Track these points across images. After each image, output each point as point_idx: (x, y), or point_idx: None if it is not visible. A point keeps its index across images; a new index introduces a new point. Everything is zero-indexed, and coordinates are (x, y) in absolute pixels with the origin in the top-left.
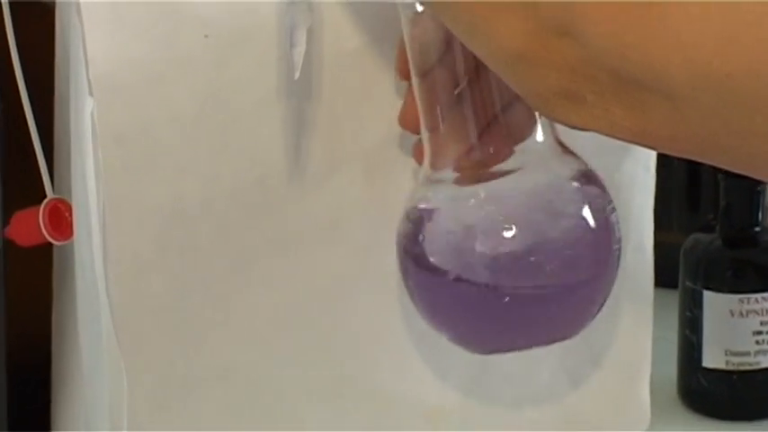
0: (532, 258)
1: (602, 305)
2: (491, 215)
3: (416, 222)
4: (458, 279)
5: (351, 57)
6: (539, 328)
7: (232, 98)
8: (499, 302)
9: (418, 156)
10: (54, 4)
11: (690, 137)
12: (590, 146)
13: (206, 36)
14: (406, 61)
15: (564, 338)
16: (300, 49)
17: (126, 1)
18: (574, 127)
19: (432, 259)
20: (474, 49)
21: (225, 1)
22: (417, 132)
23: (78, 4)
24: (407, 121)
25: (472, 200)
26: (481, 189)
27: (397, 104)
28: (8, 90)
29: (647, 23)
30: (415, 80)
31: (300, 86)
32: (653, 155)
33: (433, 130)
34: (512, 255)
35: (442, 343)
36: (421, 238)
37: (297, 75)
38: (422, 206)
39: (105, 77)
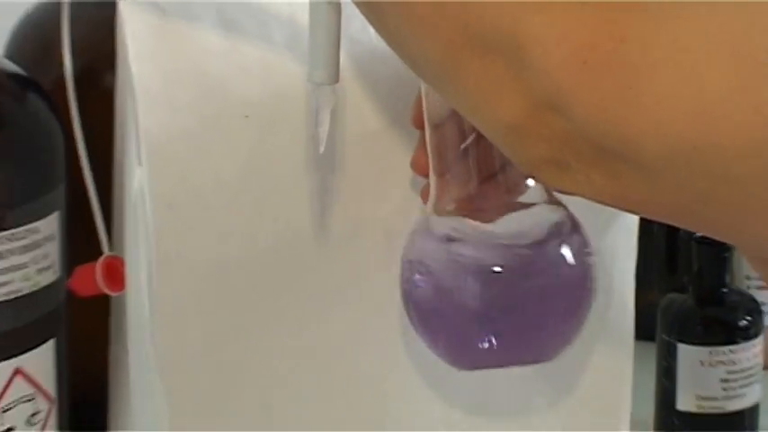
0: (518, 287)
1: (577, 332)
2: (483, 250)
3: (418, 250)
4: (453, 304)
5: (371, 135)
6: (522, 350)
7: (268, 170)
8: (489, 326)
9: (425, 196)
10: (113, 85)
11: (662, 203)
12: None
13: (246, 116)
14: (421, 112)
15: (544, 360)
16: (325, 128)
17: (177, 83)
18: (560, 191)
19: (431, 285)
20: (473, 121)
21: (262, 85)
22: (426, 176)
23: (133, 88)
24: (418, 166)
25: (466, 234)
26: (472, 226)
27: (412, 177)
28: (73, 163)
29: (625, 103)
30: (427, 130)
31: (326, 161)
32: (635, 226)
33: (440, 175)
34: (500, 285)
35: (459, 398)
36: (423, 264)
37: (321, 150)
38: (424, 236)
39: (159, 149)
